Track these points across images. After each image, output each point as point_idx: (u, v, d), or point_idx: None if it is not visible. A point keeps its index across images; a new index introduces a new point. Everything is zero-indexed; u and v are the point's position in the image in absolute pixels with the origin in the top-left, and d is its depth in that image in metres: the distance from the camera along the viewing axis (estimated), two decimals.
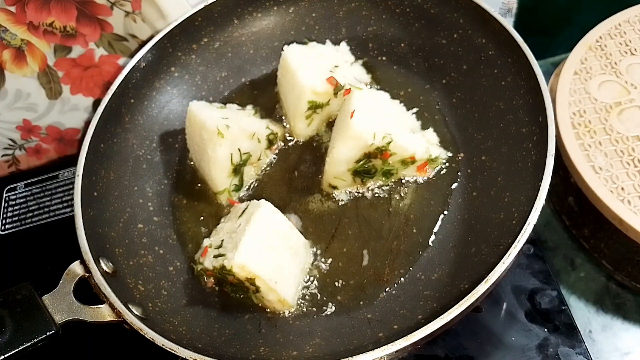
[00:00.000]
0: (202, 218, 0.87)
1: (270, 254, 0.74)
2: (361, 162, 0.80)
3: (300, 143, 0.92)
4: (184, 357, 0.64)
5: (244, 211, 0.79)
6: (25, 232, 1.01)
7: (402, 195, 0.83)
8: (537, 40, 0.83)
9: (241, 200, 0.88)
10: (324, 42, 0.96)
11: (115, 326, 0.69)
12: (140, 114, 0.93)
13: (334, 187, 0.84)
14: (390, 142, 0.78)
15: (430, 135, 0.86)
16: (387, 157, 0.79)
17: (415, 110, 0.89)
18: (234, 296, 0.78)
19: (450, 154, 0.85)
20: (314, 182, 0.87)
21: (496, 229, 0.73)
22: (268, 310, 0.77)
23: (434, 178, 0.84)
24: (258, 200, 0.80)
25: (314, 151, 0.91)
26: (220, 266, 0.73)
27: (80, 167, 0.80)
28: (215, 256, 0.75)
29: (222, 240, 0.76)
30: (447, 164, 0.85)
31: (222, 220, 0.83)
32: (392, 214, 0.82)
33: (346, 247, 0.80)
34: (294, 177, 0.89)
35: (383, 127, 0.78)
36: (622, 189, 0.74)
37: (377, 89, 0.90)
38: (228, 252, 0.73)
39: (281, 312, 0.76)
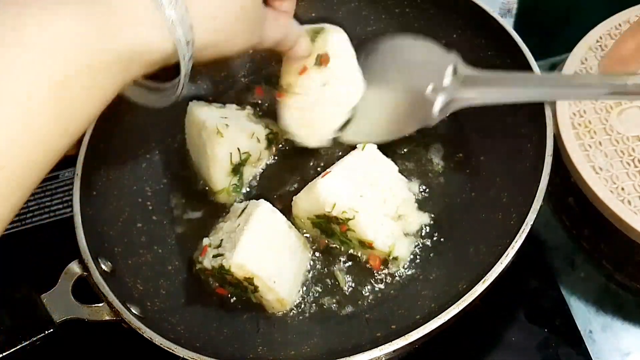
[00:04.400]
0: (201, 217, 0.87)
1: (268, 253, 0.74)
2: (321, 220, 0.77)
3: (301, 143, 0.92)
4: (182, 356, 0.64)
5: (242, 211, 0.79)
6: (26, 232, 1.01)
7: None
8: (537, 41, 0.83)
9: (240, 200, 0.88)
10: None
11: (113, 325, 0.69)
12: (140, 113, 0.93)
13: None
14: (350, 219, 0.73)
15: (412, 226, 0.79)
16: (344, 230, 0.76)
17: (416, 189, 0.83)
18: (233, 296, 0.78)
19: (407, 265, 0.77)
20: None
21: (494, 229, 0.72)
22: (267, 309, 0.76)
23: (433, 178, 0.84)
24: (257, 200, 0.80)
25: (314, 151, 0.91)
26: (218, 266, 0.73)
27: (79, 167, 0.80)
28: (214, 256, 0.74)
29: (222, 240, 0.76)
30: (444, 168, 0.85)
31: (221, 219, 0.83)
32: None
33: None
34: (294, 177, 0.89)
35: (352, 201, 0.73)
36: (622, 189, 0.74)
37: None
38: (227, 252, 0.73)
39: (280, 311, 0.76)
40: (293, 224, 0.80)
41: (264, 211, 0.77)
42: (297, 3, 0.99)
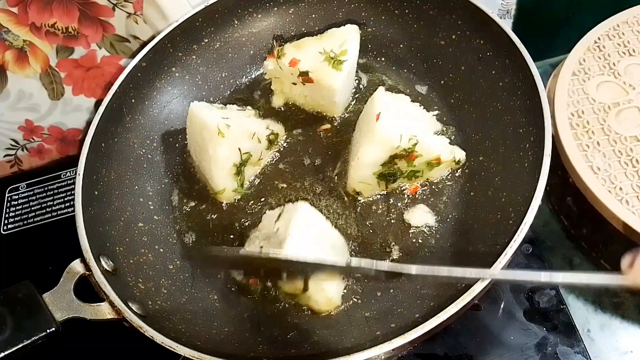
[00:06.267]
0: (202, 217, 0.88)
1: (315, 253, 0.73)
2: (387, 165, 0.80)
3: (301, 142, 0.93)
4: (183, 354, 0.64)
5: (279, 215, 0.78)
6: (27, 232, 1.02)
7: (401, 195, 0.84)
8: (535, 42, 0.84)
9: (241, 199, 0.88)
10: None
11: (115, 324, 0.69)
12: (141, 113, 0.93)
13: (358, 193, 0.84)
14: (416, 144, 0.77)
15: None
16: (413, 159, 0.79)
17: (436, 112, 0.89)
18: (279, 304, 0.77)
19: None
20: (313, 181, 0.88)
21: (493, 229, 0.73)
22: (313, 309, 0.76)
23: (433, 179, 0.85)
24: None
25: (314, 151, 0.91)
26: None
27: (81, 166, 0.81)
28: None
29: (261, 247, 0.76)
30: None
31: (253, 230, 0.82)
32: (390, 214, 0.83)
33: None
34: (294, 177, 0.89)
35: (408, 129, 0.78)
36: (621, 189, 0.74)
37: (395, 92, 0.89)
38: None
39: (326, 312, 0.75)
40: (322, 197, 0.81)
41: (305, 211, 0.76)
42: (298, 5, 1.01)
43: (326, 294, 0.73)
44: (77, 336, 0.70)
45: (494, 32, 0.83)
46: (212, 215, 0.88)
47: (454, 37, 0.90)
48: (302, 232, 0.73)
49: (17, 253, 1.00)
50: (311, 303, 0.75)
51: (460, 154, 0.83)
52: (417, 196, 0.83)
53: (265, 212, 0.83)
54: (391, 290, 0.76)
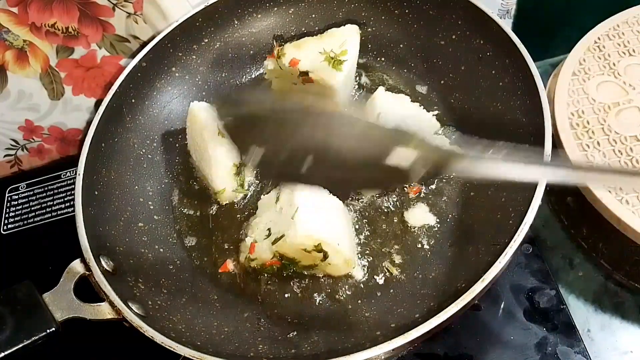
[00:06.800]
0: (202, 217, 0.88)
1: (324, 219, 0.75)
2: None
3: None
4: (183, 354, 0.64)
5: (277, 197, 0.79)
6: (27, 232, 1.02)
7: (401, 195, 0.84)
8: (535, 42, 0.84)
9: (241, 199, 0.88)
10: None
11: (115, 324, 0.69)
12: (141, 113, 0.93)
13: (358, 193, 0.84)
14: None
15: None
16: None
17: (436, 112, 0.89)
18: (295, 281, 0.79)
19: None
20: (314, 181, 0.88)
21: (493, 228, 0.73)
22: (334, 274, 0.77)
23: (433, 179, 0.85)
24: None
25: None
26: (281, 251, 0.74)
27: (81, 166, 0.81)
28: (273, 242, 0.75)
29: (269, 229, 0.77)
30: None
31: (252, 218, 0.83)
32: (390, 214, 0.83)
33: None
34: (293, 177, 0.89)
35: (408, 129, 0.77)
36: (621, 188, 0.74)
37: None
38: (286, 232, 0.74)
39: (346, 273, 0.78)
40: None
41: (303, 187, 0.77)
42: (298, 5, 1.01)
43: (343, 254, 0.74)
44: (77, 336, 0.70)
45: (494, 32, 0.83)
46: (213, 215, 0.88)
47: (454, 37, 0.91)
48: (309, 201, 0.75)
49: (17, 253, 1.00)
50: (329, 270, 0.77)
51: None
52: (417, 196, 0.84)
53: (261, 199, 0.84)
54: (391, 290, 0.76)
